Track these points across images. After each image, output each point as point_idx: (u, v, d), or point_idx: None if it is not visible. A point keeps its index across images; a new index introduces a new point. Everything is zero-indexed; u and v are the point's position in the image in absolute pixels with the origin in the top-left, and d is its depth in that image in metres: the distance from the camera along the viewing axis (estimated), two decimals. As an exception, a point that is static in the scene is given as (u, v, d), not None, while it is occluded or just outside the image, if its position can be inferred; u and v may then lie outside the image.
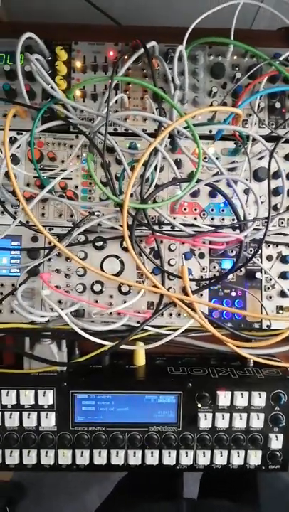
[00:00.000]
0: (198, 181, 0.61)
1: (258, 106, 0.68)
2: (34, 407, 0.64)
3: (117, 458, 0.65)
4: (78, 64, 0.68)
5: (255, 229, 0.64)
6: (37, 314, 0.59)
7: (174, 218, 0.67)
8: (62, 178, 0.66)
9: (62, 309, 0.60)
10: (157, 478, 0.87)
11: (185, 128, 0.61)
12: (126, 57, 0.68)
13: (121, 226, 0.65)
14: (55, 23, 0.74)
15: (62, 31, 0.73)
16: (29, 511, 1.52)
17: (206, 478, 0.95)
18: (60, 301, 0.66)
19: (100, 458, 0.65)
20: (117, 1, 0.97)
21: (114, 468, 0.66)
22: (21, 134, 0.67)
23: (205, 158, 0.66)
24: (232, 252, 0.67)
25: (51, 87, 0.61)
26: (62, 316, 0.58)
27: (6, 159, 0.57)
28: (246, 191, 0.66)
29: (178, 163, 0.67)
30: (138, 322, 0.65)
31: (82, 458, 0.65)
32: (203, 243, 0.62)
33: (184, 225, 0.63)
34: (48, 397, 0.63)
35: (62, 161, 0.68)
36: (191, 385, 0.64)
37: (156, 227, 0.65)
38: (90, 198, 0.68)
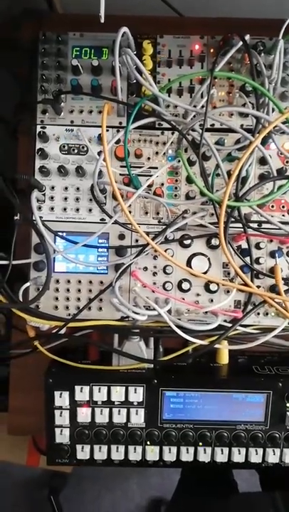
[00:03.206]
0: (296, 178, 0.59)
1: None
2: (124, 403, 0.64)
3: (205, 455, 0.66)
4: (164, 58, 0.67)
5: None
6: (135, 312, 0.59)
7: (261, 216, 0.66)
8: (149, 176, 0.65)
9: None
10: (212, 473, 0.89)
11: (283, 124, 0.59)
12: (212, 50, 0.68)
13: (211, 223, 0.65)
14: (136, 15, 0.72)
15: (141, 24, 0.71)
16: (71, 500, 1.55)
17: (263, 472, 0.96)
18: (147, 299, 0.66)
19: (188, 455, 0.66)
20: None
21: (200, 465, 0.67)
22: (107, 130, 0.67)
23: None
24: None
25: (148, 82, 0.60)
26: (162, 314, 0.58)
27: (105, 158, 0.56)
28: None
29: (264, 160, 0.65)
30: (225, 321, 0.64)
31: (170, 454, 0.66)
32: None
33: (281, 223, 0.62)
34: (138, 394, 0.64)
35: (148, 158, 0.67)
36: (281, 384, 0.64)
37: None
38: (175, 195, 0.67)
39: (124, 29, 0.59)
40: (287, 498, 0.75)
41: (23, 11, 0.78)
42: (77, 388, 0.63)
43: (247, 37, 0.62)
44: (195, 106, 0.63)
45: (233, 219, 0.61)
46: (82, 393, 0.63)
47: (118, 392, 0.64)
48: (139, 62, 0.59)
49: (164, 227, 0.64)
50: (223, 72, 0.62)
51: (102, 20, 0.53)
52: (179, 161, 0.66)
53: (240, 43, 0.61)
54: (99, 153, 0.65)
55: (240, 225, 0.64)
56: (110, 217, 0.62)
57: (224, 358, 0.69)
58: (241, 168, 0.60)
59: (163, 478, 1.57)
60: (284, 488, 0.85)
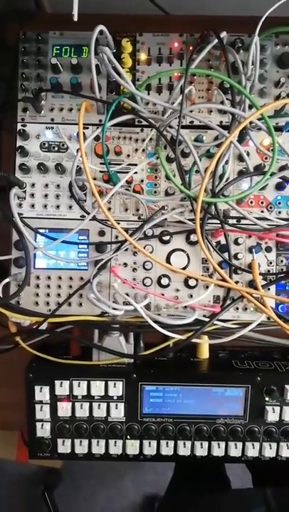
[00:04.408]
0: (272, 174, 0.60)
1: None
2: (104, 397, 0.65)
3: (184, 449, 0.66)
4: (143, 56, 0.68)
5: None
6: (112, 307, 0.60)
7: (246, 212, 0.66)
8: (127, 173, 0.66)
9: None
10: (205, 470, 0.90)
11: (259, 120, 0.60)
12: (191, 47, 0.68)
13: (189, 220, 0.65)
14: (115, 14, 0.73)
15: (121, 22, 0.72)
16: (65, 497, 1.56)
17: (256, 471, 0.97)
18: (126, 295, 0.67)
19: (168, 448, 0.66)
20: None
21: (180, 459, 0.67)
22: (87, 128, 0.67)
23: (272, 150, 0.65)
24: (303, 245, 0.67)
25: (124, 80, 0.61)
26: (138, 310, 0.58)
27: (82, 154, 0.57)
28: (317, 184, 0.65)
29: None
30: (204, 316, 0.65)
31: (150, 448, 0.66)
32: (277, 236, 0.61)
33: (256, 218, 0.63)
34: (118, 389, 0.64)
35: (128, 155, 0.68)
36: (259, 379, 0.65)
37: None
38: (155, 192, 0.68)
39: (101, 27, 0.59)
40: (279, 494, 0.75)
41: (8, 11, 0.79)
42: (57, 383, 0.64)
43: (223, 34, 0.62)
44: (173, 103, 0.63)
45: (209, 215, 0.62)
46: (62, 388, 0.64)
47: (98, 387, 0.64)
48: (114, 60, 0.59)
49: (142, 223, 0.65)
50: (198, 69, 0.63)
51: (76, 19, 0.53)
52: (158, 158, 0.66)
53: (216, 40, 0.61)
54: (77, 151, 0.65)
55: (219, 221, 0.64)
56: (88, 213, 0.63)
57: (204, 353, 0.69)
58: (217, 165, 0.61)
59: (158, 475, 1.58)
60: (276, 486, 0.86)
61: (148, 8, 0.90)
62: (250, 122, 0.62)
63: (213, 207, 0.62)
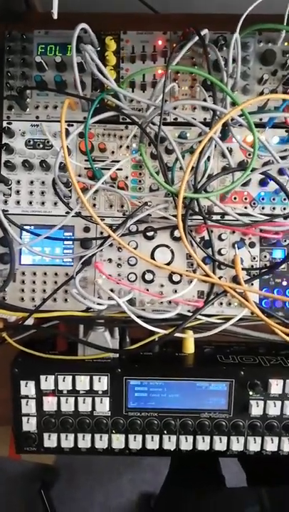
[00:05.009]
0: (253, 170, 0.60)
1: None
2: (89, 392, 0.66)
3: (169, 443, 0.67)
4: (127, 54, 0.68)
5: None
6: (95, 302, 0.60)
7: (225, 207, 0.67)
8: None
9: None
10: (201, 463, 0.90)
11: (239, 116, 0.60)
12: (174, 45, 0.68)
13: (173, 216, 0.66)
14: (100, 12, 0.74)
15: (106, 21, 0.72)
16: (62, 495, 1.57)
17: (251, 468, 0.97)
18: (111, 290, 0.67)
19: (153, 443, 0.67)
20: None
21: (165, 453, 0.68)
22: (72, 125, 0.68)
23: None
24: (285, 241, 0.67)
25: (106, 77, 0.61)
26: (120, 304, 0.59)
27: (64, 151, 0.58)
28: (299, 180, 0.65)
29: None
30: (189, 311, 0.66)
31: (136, 442, 0.67)
32: (261, 231, 0.62)
33: (238, 214, 0.63)
34: (102, 383, 0.65)
35: (112, 152, 0.69)
36: (243, 373, 0.65)
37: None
38: (139, 188, 0.69)
39: (83, 25, 0.60)
40: (273, 493, 0.76)
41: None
42: (43, 378, 0.65)
43: (204, 31, 0.63)
44: (156, 100, 0.64)
45: (192, 211, 0.62)
46: (47, 382, 0.65)
47: (82, 382, 0.65)
48: (96, 58, 0.60)
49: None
50: (177, 66, 0.63)
51: (55, 17, 0.54)
52: (141, 155, 0.67)
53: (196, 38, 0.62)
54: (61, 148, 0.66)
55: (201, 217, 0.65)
56: (71, 209, 0.64)
57: (190, 348, 0.70)
58: (199, 161, 0.61)
59: (155, 473, 1.59)
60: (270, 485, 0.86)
61: (138, 7, 0.91)
62: (232, 119, 0.62)
63: (195, 203, 0.63)
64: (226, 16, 0.71)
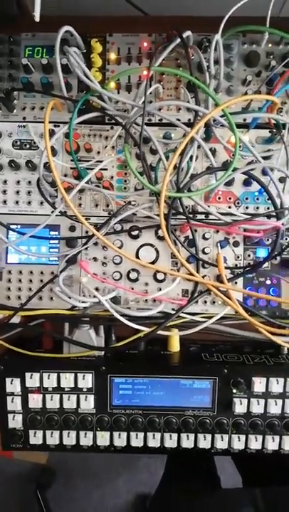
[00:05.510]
0: (234, 170, 0.61)
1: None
2: (74, 389, 0.66)
3: (154, 440, 0.67)
4: (113, 56, 0.69)
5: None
6: (78, 300, 0.61)
7: (208, 207, 0.68)
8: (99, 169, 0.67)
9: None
10: (196, 464, 0.91)
11: (221, 117, 0.61)
12: (160, 47, 0.69)
13: (157, 215, 0.66)
14: (87, 15, 0.75)
15: (93, 24, 0.73)
16: (59, 496, 1.57)
17: (247, 469, 0.97)
18: (97, 289, 0.68)
19: (137, 440, 0.67)
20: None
21: (150, 450, 0.68)
22: (58, 126, 0.69)
23: (239, 146, 0.67)
24: (268, 240, 0.67)
25: (89, 79, 0.62)
26: (103, 302, 0.60)
27: (47, 151, 0.59)
28: (282, 179, 0.66)
29: (212, 152, 0.67)
30: (173, 309, 0.66)
31: (120, 440, 0.68)
32: (244, 231, 0.63)
33: (220, 213, 0.64)
34: (87, 381, 0.66)
35: (98, 152, 0.70)
36: (226, 371, 0.66)
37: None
38: (125, 188, 0.70)
39: (66, 28, 0.61)
40: (267, 494, 0.76)
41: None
42: (28, 375, 0.66)
43: (187, 33, 0.64)
44: (140, 101, 0.65)
45: (174, 210, 0.63)
46: (32, 380, 0.65)
47: (67, 379, 0.66)
48: (79, 60, 0.61)
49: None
50: (160, 68, 0.64)
51: (37, 20, 0.55)
52: (125, 155, 0.68)
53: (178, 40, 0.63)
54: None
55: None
56: (55, 208, 0.65)
57: (175, 346, 0.70)
58: (182, 160, 0.62)
59: (151, 474, 1.59)
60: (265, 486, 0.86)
61: (126, 9, 0.92)
62: (214, 119, 0.63)
63: (178, 202, 0.64)
64: (211, 18, 0.72)
